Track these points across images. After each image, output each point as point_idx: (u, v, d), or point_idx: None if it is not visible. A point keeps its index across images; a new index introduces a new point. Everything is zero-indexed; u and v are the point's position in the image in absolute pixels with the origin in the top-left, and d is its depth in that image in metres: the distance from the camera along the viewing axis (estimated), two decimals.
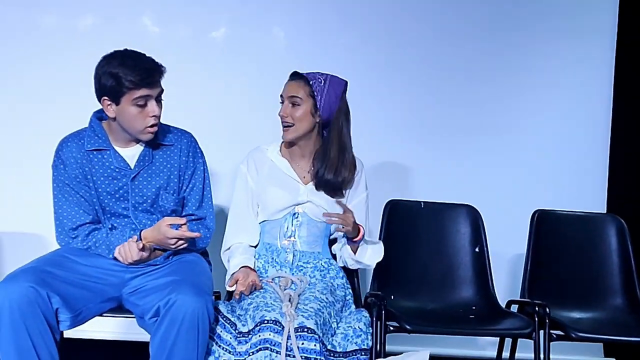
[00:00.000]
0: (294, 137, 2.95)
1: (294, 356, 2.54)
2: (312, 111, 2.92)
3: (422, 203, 3.38)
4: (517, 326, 2.94)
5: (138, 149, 2.81)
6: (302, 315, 2.61)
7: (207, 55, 3.83)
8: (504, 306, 3.20)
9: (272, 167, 3.01)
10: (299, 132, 2.94)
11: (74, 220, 2.75)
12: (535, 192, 3.84)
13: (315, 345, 2.57)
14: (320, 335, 2.59)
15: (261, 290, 2.78)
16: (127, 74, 2.64)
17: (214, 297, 2.86)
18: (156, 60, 2.74)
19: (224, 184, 3.61)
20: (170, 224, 2.66)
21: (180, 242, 2.69)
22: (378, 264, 3.20)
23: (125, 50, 2.73)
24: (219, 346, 2.67)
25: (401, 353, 2.75)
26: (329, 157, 2.93)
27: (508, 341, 3.33)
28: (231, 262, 2.91)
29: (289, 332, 2.55)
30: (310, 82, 2.91)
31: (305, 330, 2.57)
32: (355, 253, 2.92)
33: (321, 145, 2.97)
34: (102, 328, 3.53)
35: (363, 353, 2.71)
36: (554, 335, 2.93)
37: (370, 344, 2.73)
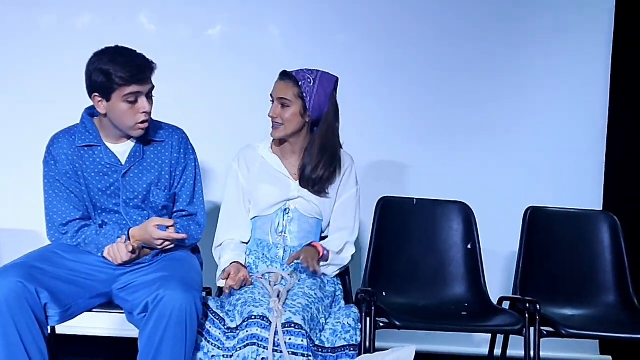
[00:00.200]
0: (283, 135, 2.96)
1: (281, 352, 2.55)
2: (302, 112, 2.93)
3: (414, 200, 3.38)
4: (507, 323, 2.93)
5: (129, 145, 2.83)
6: (289, 310, 2.62)
7: (203, 53, 3.85)
8: (495, 303, 3.18)
9: (263, 164, 3.02)
10: (287, 131, 2.95)
11: (64, 216, 2.77)
12: (530, 190, 3.83)
13: (302, 340, 2.58)
14: (308, 330, 2.60)
15: (250, 286, 2.79)
16: (118, 71, 2.65)
17: (204, 293, 2.88)
18: (147, 57, 2.75)
19: (220, 182, 3.62)
20: (157, 225, 2.67)
21: (167, 243, 2.71)
22: (371, 260, 3.23)
23: (117, 46, 2.75)
24: (208, 342, 2.68)
25: None
26: (311, 154, 2.95)
27: (501, 339, 3.31)
28: (222, 259, 2.92)
29: (276, 327, 2.56)
30: (300, 83, 2.91)
31: (293, 325, 2.58)
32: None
33: (309, 142, 2.97)
34: (96, 324, 3.56)
35: (352, 349, 2.71)
36: (545, 332, 2.92)
37: (359, 339, 2.74)
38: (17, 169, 3.69)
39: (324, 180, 2.96)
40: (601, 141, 3.99)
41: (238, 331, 2.62)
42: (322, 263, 2.88)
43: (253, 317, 2.59)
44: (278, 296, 2.68)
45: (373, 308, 2.83)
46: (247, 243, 3.01)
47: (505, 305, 3.18)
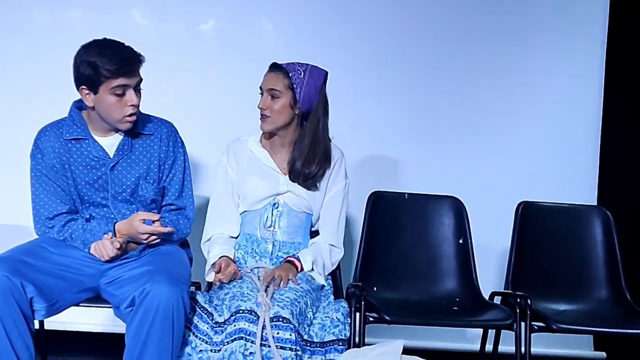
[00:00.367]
0: (272, 128, 2.94)
1: (269, 346, 2.53)
2: (291, 104, 2.90)
3: (406, 194, 3.36)
4: (498, 317, 2.91)
5: (117, 138, 2.81)
6: (277, 305, 2.60)
7: (196, 48, 3.83)
8: (487, 298, 3.17)
9: (252, 158, 3.00)
10: (276, 124, 2.92)
11: (51, 210, 2.75)
12: (523, 185, 3.81)
13: (290, 334, 2.56)
14: (296, 325, 2.58)
15: (239, 280, 2.77)
16: (105, 63, 2.64)
17: (194, 287, 2.87)
18: (135, 50, 2.74)
19: (212, 176, 3.59)
20: (143, 219, 2.66)
21: (153, 237, 2.69)
22: (362, 255, 3.22)
23: (104, 39, 2.73)
24: (196, 336, 2.66)
25: None
26: (301, 148, 2.92)
27: (493, 335, 3.30)
28: (211, 253, 2.90)
29: (264, 321, 2.54)
30: (290, 75, 2.89)
31: (281, 319, 2.57)
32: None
33: (298, 135, 2.95)
34: (86, 320, 3.54)
35: (340, 343, 2.69)
36: (536, 327, 2.90)
37: (348, 334, 2.72)
38: (3, 162, 3.67)
39: (314, 174, 2.94)
40: (596, 137, 3.97)
41: (226, 325, 2.60)
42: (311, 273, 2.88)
43: (241, 312, 2.58)
44: (266, 290, 2.66)
45: (363, 302, 2.81)
46: (236, 238, 2.99)
47: (497, 300, 3.16)
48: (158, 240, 2.72)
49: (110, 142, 2.80)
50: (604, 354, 3.96)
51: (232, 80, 3.77)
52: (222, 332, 2.61)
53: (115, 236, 2.71)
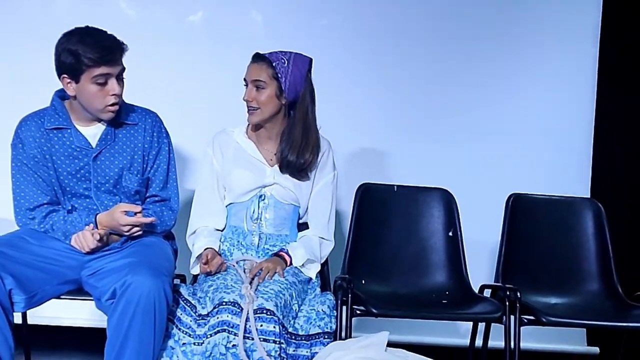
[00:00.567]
0: (259, 120, 2.89)
1: (252, 338, 2.49)
2: (277, 94, 2.85)
3: (395, 186, 3.32)
4: (487, 310, 2.87)
5: (100, 127, 2.77)
6: (262, 297, 2.56)
7: (184, 39, 3.77)
8: (477, 291, 3.13)
9: (238, 149, 2.95)
10: (264, 115, 2.87)
11: (32, 201, 2.70)
12: (517, 178, 3.75)
13: (274, 327, 2.52)
14: (280, 317, 2.54)
15: (223, 272, 2.73)
16: (87, 52, 2.60)
17: (178, 280, 2.83)
18: (117, 38, 2.69)
19: (198, 168, 3.55)
20: (125, 211, 2.61)
21: (135, 229, 2.65)
22: (350, 248, 3.18)
23: (86, 27, 2.69)
24: (179, 329, 2.62)
25: None
26: (293, 138, 2.87)
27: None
28: (196, 245, 2.86)
29: (247, 314, 2.50)
30: (274, 64, 2.84)
31: (265, 312, 2.52)
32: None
33: (287, 126, 2.91)
34: (72, 315, 3.50)
35: (326, 336, 2.66)
36: (525, 320, 2.86)
37: (334, 327, 2.68)
38: None
39: (308, 163, 2.89)
40: (589, 129, 3.92)
41: (209, 318, 2.56)
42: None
43: (224, 304, 2.54)
44: (251, 283, 2.61)
45: (350, 295, 2.76)
46: (221, 230, 2.94)
47: (487, 293, 3.12)
48: (140, 232, 2.68)
49: (92, 132, 2.76)
50: (597, 349, 3.92)
51: (221, 72, 3.72)
52: (205, 324, 2.56)
53: (96, 228, 2.66)
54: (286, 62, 2.84)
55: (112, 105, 2.68)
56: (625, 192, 3.92)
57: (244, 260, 2.83)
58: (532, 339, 3.72)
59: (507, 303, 2.86)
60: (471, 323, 3.32)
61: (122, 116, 2.79)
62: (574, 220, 3.33)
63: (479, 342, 3.29)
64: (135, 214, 2.63)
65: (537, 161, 3.86)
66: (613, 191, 3.86)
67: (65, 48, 2.62)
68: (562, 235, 3.32)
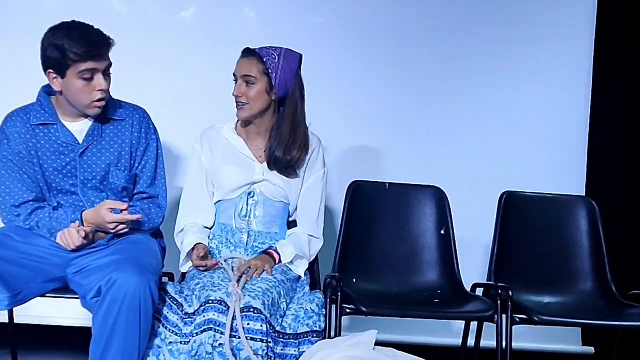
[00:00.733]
0: (249, 115, 2.85)
1: (239, 337, 2.46)
2: (267, 89, 2.82)
3: (386, 184, 3.28)
4: (478, 309, 2.84)
5: (87, 123, 2.74)
6: (249, 295, 2.52)
7: (176, 35, 3.74)
8: (469, 290, 3.09)
9: (227, 146, 2.92)
10: (254, 110, 2.84)
11: (17, 198, 2.67)
12: (510, 176, 3.72)
13: (261, 326, 2.49)
14: (268, 316, 2.50)
15: (209, 271, 2.69)
16: (73, 46, 2.57)
17: (166, 278, 2.79)
18: (104, 33, 2.67)
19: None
20: (111, 208, 2.58)
21: (121, 226, 2.61)
22: (341, 246, 3.14)
23: (73, 21, 2.67)
24: (166, 328, 2.59)
25: None
26: (281, 134, 2.84)
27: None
28: (185, 242, 2.83)
29: (234, 312, 2.46)
30: (264, 59, 2.81)
31: (252, 310, 2.49)
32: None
33: (275, 122, 2.87)
34: (58, 314, 3.47)
35: (315, 335, 2.62)
36: (517, 319, 2.83)
37: (322, 326, 2.65)
38: None
39: (296, 160, 2.86)
40: (584, 127, 3.89)
41: (195, 316, 2.53)
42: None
43: (210, 302, 2.50)
44: (238, 281, 2.58)
45: (339, 294, 2.73)
46: (210, 228, 2.90)
47: (480, 292, 3.09)
48: (126, 230, 2.64)
49: (79, 128, 2.73)
50: (592, 349, 3.89)
51: (213, 68, 3.67)
52: (192, 323, 2.53)
53: (82, 225, 2.63)
54: (277, 57, 2.81)
55: (99, 100, 2.65)
56: (621, 190, 3.89)
57: (233, 258, 2.79)
58: (527, 338, 3.70)
59: (499, 302, 2.83)
60: (464, 322, 3.28)
61: (109, 112, 2.76)
62: (568, 218, 3.30)
63: (471, 341, 3.25)
64: (122, 211, 2.59)
65: (532, 159, 3.82)
66: (608, 189, 3.83)
67: (51, 43, 2.59)
68: (556, 233, 3.29)
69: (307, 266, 2.86)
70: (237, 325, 2.46)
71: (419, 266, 3.17)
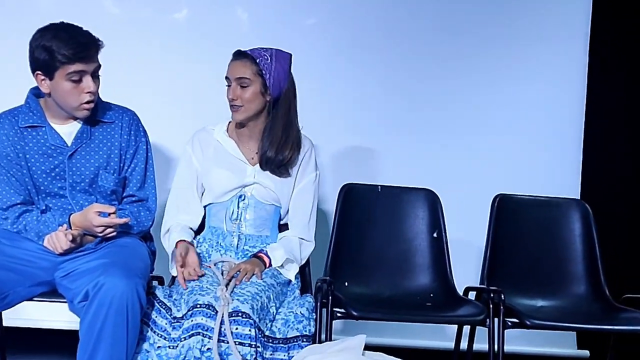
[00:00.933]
0: (244, 117, 2.83)
1: (227, 342, 2.43)
2: (262, 90, 2.80)
3: (379, 187, 3.26)
4: (470, 313, 2.81)
5: (76, 126, 2.72)
6: (237, 299, 2.50)
7: (168, 37, 3.72)
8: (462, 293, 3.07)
9: (218, 148, 2.90)
10: (249, 112, 2.82)
11: (4, 201, 2.65)
12: (504, 178, 3.69)
13: (250, 330, 2.46)
14: (257, 320, 2.48)
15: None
16: (61, 48, 2.55)
17: (156, 282, 2.77)
18: (93, 34, 2.65)
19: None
20: (98, 212, 2.56)
21: (109, 230, 2.59)
22: (333, 249, 3.12)
23: (61, 23, 2.65)
24: (154, 332, 2.57)
25: None
26: (273, 134, 2.82)
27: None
28: (170, 242, 2.79)
29: (222, 316, 2.44)
30: (257, 61, 2.79)
31: (240, 314, 2.47)
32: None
33: (268, 122, 2.85)
34: (49, 317, 3.45)
35: (305, 339, 2.60)
36: (509, 323, 2.80)
37: (312, 330, 2.62)
38: None
39: (288, 160, 2.84)
40: (579, 129, 3.86)
41: (183, 321, 2.50)
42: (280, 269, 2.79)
43: (198, 306, 2.48)
44: (227, 285, 2.56)
45: (330, 297, 2.70)
46: (197, 232, 2.88)
47: (471, 295, 3.06)
48: (114, 233, 2.62)
49: (68, 130, 2.71)
50: (587, 352, 3.87)
51: (206, 70, 3.64)
52: (180, 327, 2.51)
53: (70, 228, 2.61)
54: (269, 58, 2.79)
55: (87, 103, 2.63)
56: (616, 193, 3.87)
57: (222, 261, 2.77)
58: (522, 342, 3.69)
59: (491, 306, 2.80)
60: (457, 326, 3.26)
61: (98, 114, 2.74)
62: (561, 221, 3.27)
63: (465, 345, 3.23)
64: (109, 214, 2.57)
65: (526, 161, 3.80)
66: (603, 192, 3.81)
67: (39, 44, 2.57)
68: (549, 236, 3.26)
69: (297, 270, 2.83)
70: (225, 329, 2.43)
71: (411, 269, 3.15)
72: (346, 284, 3.05)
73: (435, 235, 3.17)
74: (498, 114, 3.81)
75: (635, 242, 3.83)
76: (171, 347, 2.51)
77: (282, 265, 2.78)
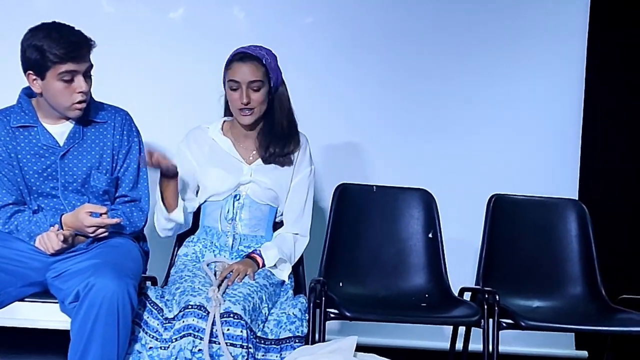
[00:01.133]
0: (254, 120, 2.82)
1: (219, 343, 2.42)
2: (269, 91, 2.81)
3: (374, 187, 3.24)
4: (464, 314, 2.79)
5: (68, 126, 2.71)
6: (229, 300, 2.48)
7: (164, 36, 3.70)
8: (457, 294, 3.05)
9: (214, 147, 2.89)
10: (259, 114, 2.82)
11: None
12: (501, 178, 3.67)
13: (241, 331, 2.44)
14: (248, 321, 2.46)
15: (191, 275, 2.65)
16: (52, 47, 2.54)
17: (149, 282, 2.76)
18: (85, 34, 2.64)
19: None
20: (90, 212, 2.55)
21: (100, 230, 2.58)
22: (327, 250, 3.10)
23: (53, 22, 2.64)
24: (146, 333, 2.55)
25: None
26: (276, 130, 2.82)
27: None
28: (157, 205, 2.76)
29: (214, 317, 2.43)
30: (263, 61, 2.77)
31: (232, 315, 2.45)
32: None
33: (267, 119, 2.83)
34: (41, 316, 3.44)
35: (297, 340, 2.58)
36: (504, 324, 2.78)
37: (305, 331, 2.61)
38: None
39: (290, 151, 2.85)
40: (577, 128, 3.84)
41: (175, 322, 2.49)
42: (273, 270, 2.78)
43: (190, 307, 2.46)
44: (219, 286, 2.54)
45: (323, 298, 2.69)
46: (190, 232, 2.87)
47: (467, 296, 3.04)
48: (106, 234, 2.61)
49: (60, 130, 2.70)
50: (585, 353, 3.85)
51: (202, 70, 3.64)
52: (172, 328, 2.49)
53: (62, 228, 2.60)
54: (268, 57, 2.80)
55: (79, 102, 2.62)
56: (614, 193, 3.85)
57: (216, 262, 2.76)
58: (520, 342, 3.68)
59: (486, 306, 2.78)
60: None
61: (90, 114, 2.73)
62: (557, 221, 3.25)
63: (460, 345, 3.21)
64: (101, 214, 2.55)
65: (523, 161, 3.78)
66: (601, 192, 3.78)
67: (30, 44, 2.56)
68: (545, 237, 3.24)
69: (290, 270, 2.82)
70: (216, 330, 2.42)
71: (406, 270, 3.12)
72: (341, 284, 3.03)
73: (430, 235, 3.15)
74: (495, 113, 3.79)
75: (633, 243, 3.81)
76: (163, 347, 2.50)
77: (275, 266, 2.76)
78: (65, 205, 2.68)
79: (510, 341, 3.61)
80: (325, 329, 2.69)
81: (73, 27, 2.63)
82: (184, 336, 2.43)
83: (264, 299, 2.59)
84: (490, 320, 2.77)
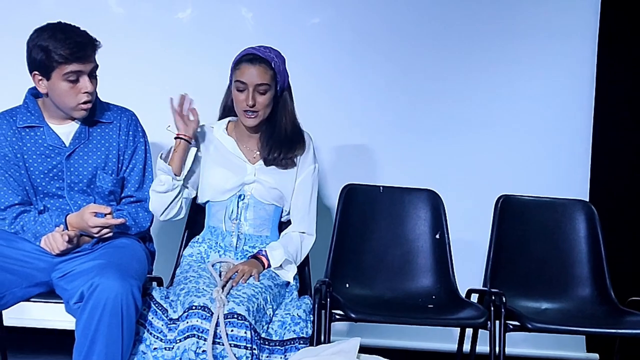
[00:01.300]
0: (259, 122, 2.81)
1: (222, 344, 2.41)
2: (275, 94, 2.79)
3: (380, 187, 3.22)
4: (471, 316, 2.77)
5: (74, 126, 2.71)
6: (233, 301, 2.47)
7: (172, 36, 3.71)
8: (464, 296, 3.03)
9: (218, 146, 2.88)
10: (264, 117, 2.80)
11: (2, 201, 2.65)
12: (510, 179, 3.64)
13: (245, 332, 2.43)
14: (252, 322, 2.45)
15: (195, 275, 2.65)
16: (58, 48, 2.55)
17: (155, 283, 2.76)
18: (90, 35, 2.65)
19: None
20: (94, 212, 2.55)
21: (105, 230, 2.58)
22: (334, 250, 3.09)
23: (59, 22, 2.65)
24: (150, 333, 2.55)
25: None
26: (279, 133, 2.81)
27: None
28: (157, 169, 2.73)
29: (217, 318, 2.42)
30: (272, 64, 2.75)
31: (236, 316, 2.44)
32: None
33: (270, 121, 2.82)
34: (49, 316, 3.45)
35: (302, 342, 2.56)
36: (511, 326, 2.75)
37: (310, 332, 2.59)
38: None
39: (294, 154, 2.84)
40: (587, 128, 3.80)
41: (179, 322, 2.48)
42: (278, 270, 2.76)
43: (194, 308, 2.46)
44: (223, 286, 2.53)
45: (328, 299, 2.67)
46: (195, 232, 2.86)
47: (474, 298, 3.02)
48: (110, 234, 2.61)
49: (66, 130, 2.70)
50: (597, 356, 3.82)
51: (210, 70, 3.62)
52: (176, 329, 2.49)
53: (67, 229, 2.60)
54: (277, 60, 2.78)
55: (85, 103, 2.63)
56: (625, 194, 3.81)
57: (221, 262, 2.75)
58: (531, 345, 3.66)
59: (492, 308, 2.75)
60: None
61: (96, 114, 2.73)
62: (566, 222, 3.21)
63: (467, 347, 3.19)
64: (105, 215, 2.56)
65: (532, 162, 3.75)
66: (612, 194, 3.74)
67: (36, 44, 2.58)
68: (554, 238, 3.21)
69: (296, 271, 2.80)
70: (220, 331, 2.41)
71: (413, 271, 3.10)
72: (347, 285, 3.02)
73: (437, 236, 3.12)
74: (503, 113, 3.76)
75: None
76: (167, 348, 2.50)
77: (280, 266, 2.75)
78: (71, 206, 2.69)
79: (519, 343, 3.60)
80: (330, 330, 2.67)
81: (78, 28, 2.64)
82: (188, 337, 2.43)
83: (269, 300, 2.58)
84: (497, 322, 2.75)
